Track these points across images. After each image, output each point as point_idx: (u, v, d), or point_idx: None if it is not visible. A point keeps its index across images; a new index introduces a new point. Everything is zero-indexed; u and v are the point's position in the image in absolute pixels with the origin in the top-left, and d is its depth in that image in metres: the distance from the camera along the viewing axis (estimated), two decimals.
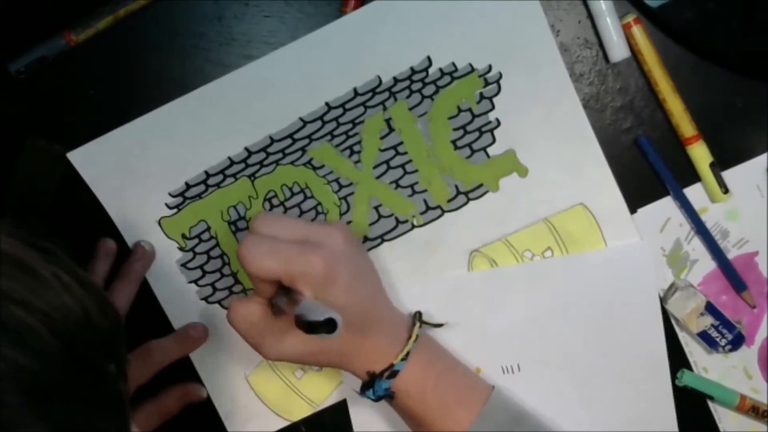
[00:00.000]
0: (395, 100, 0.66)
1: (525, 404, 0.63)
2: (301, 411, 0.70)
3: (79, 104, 0.66)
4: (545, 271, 0.67)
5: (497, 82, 0.66)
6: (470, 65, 0.66)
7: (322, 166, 0.67)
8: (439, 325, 0.65)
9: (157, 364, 0.66)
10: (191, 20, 0.66)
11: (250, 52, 0.65)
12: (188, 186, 0.67)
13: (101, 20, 0.64)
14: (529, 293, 0.67)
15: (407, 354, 0.60)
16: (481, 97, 0.66)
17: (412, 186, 0.67)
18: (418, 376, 0.60)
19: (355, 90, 0.66)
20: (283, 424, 0.70)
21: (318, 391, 0.69)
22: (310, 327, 0.53)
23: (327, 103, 0.66)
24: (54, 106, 0.66)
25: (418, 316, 0.63)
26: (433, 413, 0.60)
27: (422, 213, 0.68)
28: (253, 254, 0.57)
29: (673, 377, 0.68)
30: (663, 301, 0.67)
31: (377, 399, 0.60)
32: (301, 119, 0.66)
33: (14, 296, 0.38)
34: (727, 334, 0.67)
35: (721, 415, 0.69)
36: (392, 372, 0.59)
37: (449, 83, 0.66)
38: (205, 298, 0.69)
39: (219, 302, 0.69)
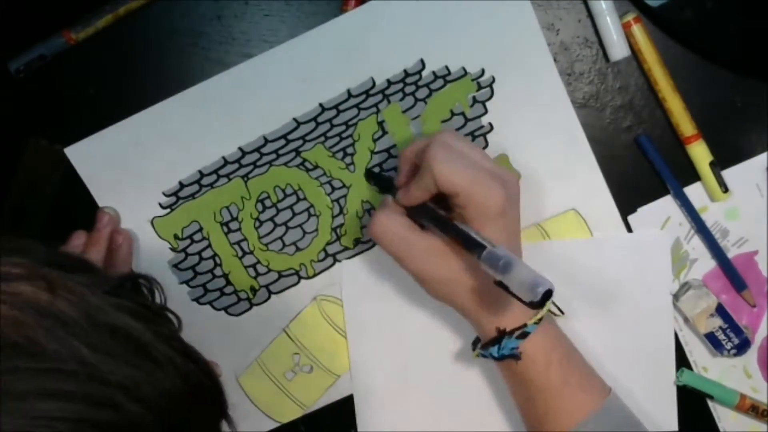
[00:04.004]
0: (388, 102, 0.66)
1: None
2: (291, 413, 0.70)
3: (79, 103, 0.66)
4: (561, 251, 0.67)
5: (490, 86, 0.66)
6: (463, 69, 0.66)
7: (315, 168, 0.67)
8: (561, 313, 0.63)
9: None
10: (191, 19, 0.66)
11: (249, 50, 0.65)
12: (182, 186, 0.67)
13: (101, 19, 0.65)
14: (544, 273, 0.67)
15: (540, 319, 0.58)
16: (474, 101, 0.66)
17: None
18: (547, 345, 0.59)
19: (348, 91, 0.66)
20: (273, 425, 0.70)
21: (308, 393, 0.70)
22: (535, 302, 0.49)
23: (321, 104, 0.66)
24: (54, 105, 0.67)
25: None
26: (554, 386, 0.59)
27: None
28: (446, 158, 0.56)
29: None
30: (674, 298, 0.67)
31: (500, 357, 0.59)
32: (294, 120, 0.66)
33: (127, 385, 0.39)
34: (734, 338, 0.67)
35: (721, 414, 0.69)
36: (523, 333, 0.58)
37: (442, 86, 0.66)
38: (197, 299, 0.69)
39: (210, 303, 0.69)
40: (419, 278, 0.60)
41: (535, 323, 0.58)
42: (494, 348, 0.59)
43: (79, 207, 0.67)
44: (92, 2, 0.65)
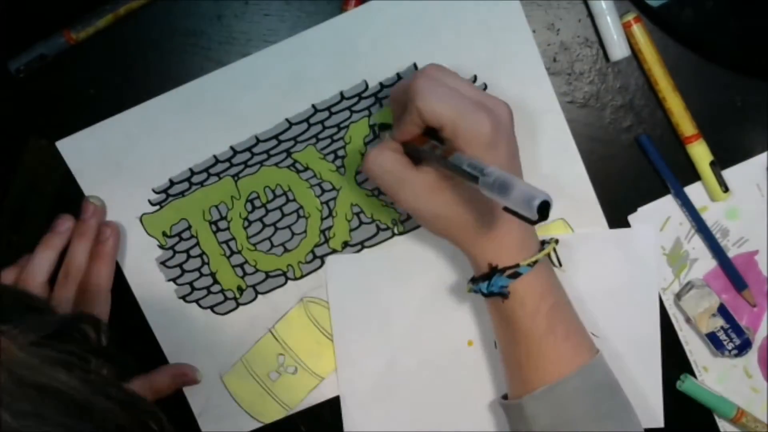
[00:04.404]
0: (381, 105, 0.66)
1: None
2: (274, 413, 0.70)
3: (79, 103, 0.66)
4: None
5: None
6: None
7: (306, 169, 0.67)
8: (559, 264, 0.62)
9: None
10: (191, 19, 0.66)
11: (249, 50, 0.65)
12: (172, 183, 0.67)
13: (101, 19, 0.64)
14: None
15: (535, 262, 0.58)
16: None
17: None
18: (537, 291, 0.58)
19: (341, 94, 0.66)
20: (256, 425, 0.70)
21: (292, 395, 0.70)
22: (522, 216, 0.47)
23: (313, 106, 0.66)
24: (54, 105, 0.66)
25: (554, 240, 0.61)
26: (538, 334, 0.58)
27: (403, 221, 0.68)
28: (429, 91, 0.55)
29: (676, 378, 0.68)
30: (677, 297, 0.67)
31: (489, 294, 0.58)
32: (287, 120, 0.66)
33: None
34: (735, 339, 0.67)
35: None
36: (515, 272, 0.57)
37: None
38: (183, 297, 0.69)
39: (197, 301, 0.69)
40: (414, 214, 0.59)
41: (529, 265, 0.58)
42: (484, 284, 0.58)
43: (78, 207, 0.66)
44: (92, 2, 0.65)
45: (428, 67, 0.58)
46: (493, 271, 0.58)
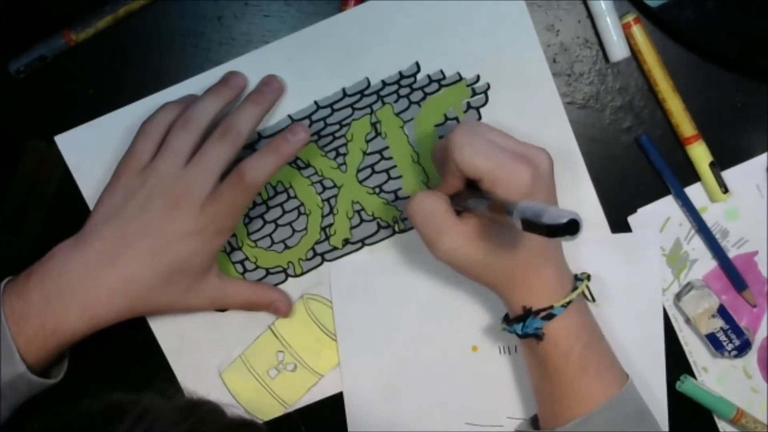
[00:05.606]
0: (383, 103, 0.66)
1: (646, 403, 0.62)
2: (273, 411, 0.70)
3: (79, 104, 0.66)
4: None
5: (485, 92, 0.66)
6: (458, 74, 0.65)
7: (307, 166, 0.67)
8: (593, 299, 0.64)
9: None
10: (191, 20, 0.66)
11: (249, 51, 0.65)
12: None
13: (101, 20, 0.65)
14: None
15: (568, 303, 0.59)
16: (468, 106, 0.66)
17: (395, 192, 0.67)
18: (571, 331, 0.59)
19: (344, 90, 0.66)
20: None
21: (290, 392, 0.70)
22: (551, 230, 0.46)
23: (316, 102, 0.66)
24: (53, 105, 0.67)
25: (587, 276, 0.62)
26: (571, 372, 0.59)
27: (404, 219, 0.68)
28: (467, 144, 0.57)
29: (675, 378, 0.68)
30: (676, 298, 0.67)
31: (524, 336, 0.59)
32: (289, 117, 0.66)
33: None
34: (734, 339, 0.67)
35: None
36: (549, 314, 0.58)
37: (437, 90, 0.66)
38: None
39: None
40: (451, 260, 0.59)
41: (563, 306, 0.58)
42: (518, 325, 0.59)
43: (78, 208, 0.66)
44: (92, 3, 0.65)
45: (464, 123, 0.60)
46: (528, 313, 0.59)
